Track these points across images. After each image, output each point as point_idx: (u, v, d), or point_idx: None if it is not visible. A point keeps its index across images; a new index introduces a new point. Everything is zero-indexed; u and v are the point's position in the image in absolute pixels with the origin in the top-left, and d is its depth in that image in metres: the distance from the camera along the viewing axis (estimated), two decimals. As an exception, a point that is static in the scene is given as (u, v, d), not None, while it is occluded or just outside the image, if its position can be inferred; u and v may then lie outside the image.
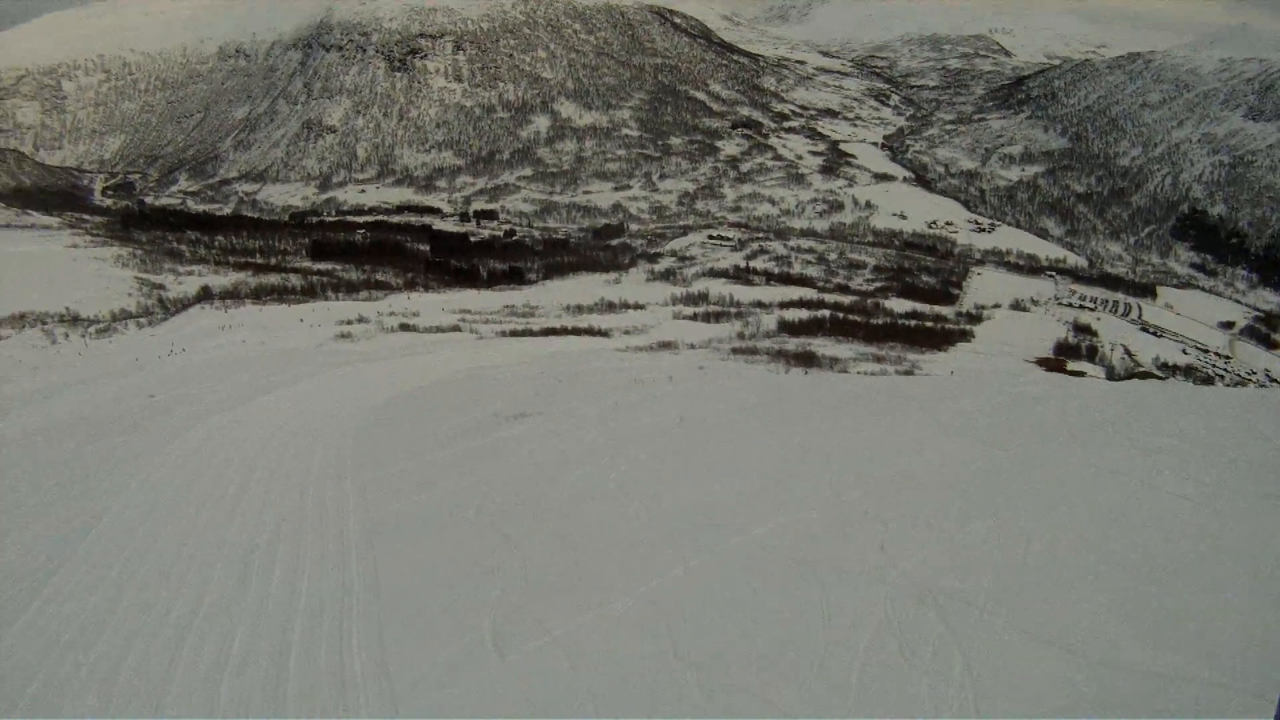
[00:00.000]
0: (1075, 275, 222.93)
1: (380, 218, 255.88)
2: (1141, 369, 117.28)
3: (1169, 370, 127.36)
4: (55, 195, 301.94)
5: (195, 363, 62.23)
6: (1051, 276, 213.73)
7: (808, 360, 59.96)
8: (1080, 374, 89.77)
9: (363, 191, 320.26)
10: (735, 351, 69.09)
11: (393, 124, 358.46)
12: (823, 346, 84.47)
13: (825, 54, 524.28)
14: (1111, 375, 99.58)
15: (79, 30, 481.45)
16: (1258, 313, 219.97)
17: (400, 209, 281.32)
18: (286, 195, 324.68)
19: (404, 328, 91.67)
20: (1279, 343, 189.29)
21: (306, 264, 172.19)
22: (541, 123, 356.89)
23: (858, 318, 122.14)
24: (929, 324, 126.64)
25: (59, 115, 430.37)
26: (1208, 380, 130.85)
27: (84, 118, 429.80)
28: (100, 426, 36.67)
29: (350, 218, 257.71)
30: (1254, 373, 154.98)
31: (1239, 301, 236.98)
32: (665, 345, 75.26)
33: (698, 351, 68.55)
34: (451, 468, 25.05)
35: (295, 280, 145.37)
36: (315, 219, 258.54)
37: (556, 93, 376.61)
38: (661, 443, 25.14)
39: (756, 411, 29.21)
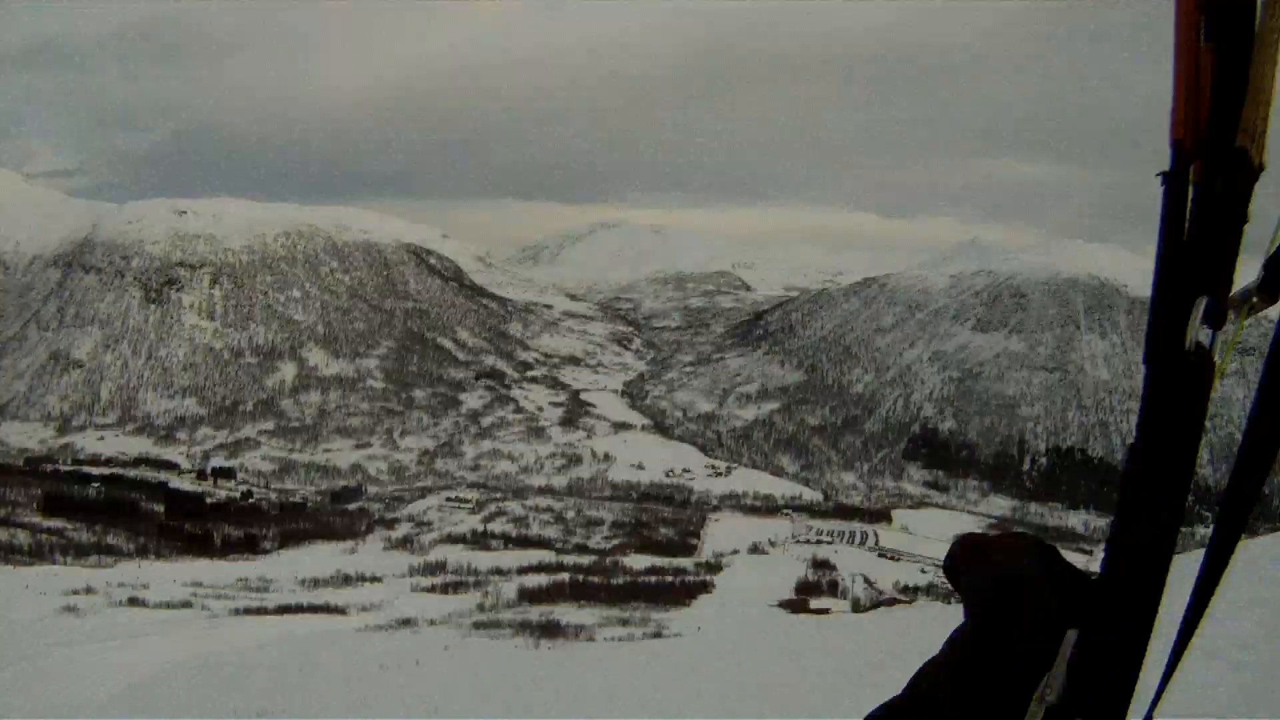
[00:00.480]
0: (811, 510, 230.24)
1: (117, 470, 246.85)
2: (885, 595, 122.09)
3: (911, 592, 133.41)
4: None
5: None
6: (788, 514, 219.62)
7: (553, 632, 61.70)
8: (824, 610, 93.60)
9: (101, 438, 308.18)
10: (478, 626, 67.83)
11: (140, 363, 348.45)
12: (565, 614, 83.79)
13: (573, 297, 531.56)
14: (856, 608, 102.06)
15: None
16: (991, 520, 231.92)
17: (138, 462, 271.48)
18: (24, 436, 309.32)
19: (133, 602, 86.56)
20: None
21: (36, 519, 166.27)
22: (288, 370, 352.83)
23: (598, 579, 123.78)
24: (669, 579, 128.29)
25: None
26: (947, 598, 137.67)
27: None
28: None
29: (86, 468, 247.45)
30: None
31: (972, 512, 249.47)
32: (405, 623, 72.94)
33: (439, 629, 66.67)
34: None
35: (23, 537, 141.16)
36: (50, 467, 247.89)
37: (306, 337, 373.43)
38: None
39: (503, 696, 28.38)
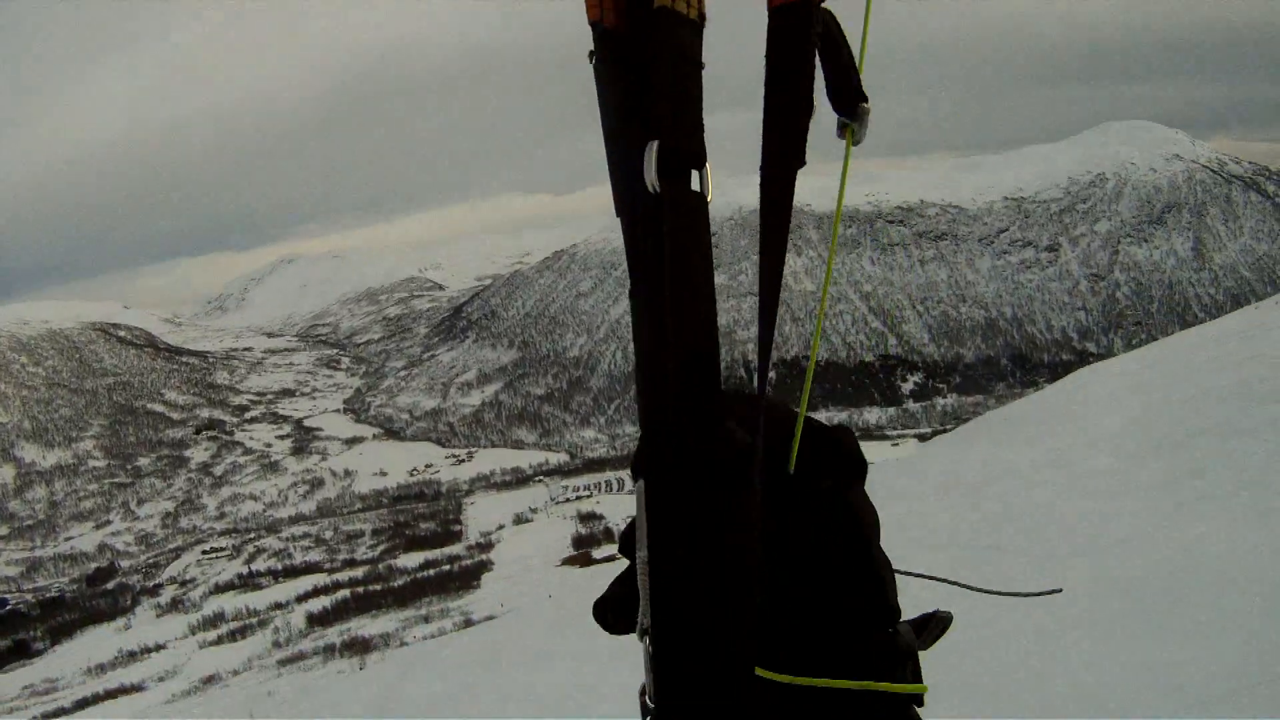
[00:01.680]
0: (563, 471, 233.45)
1: None
2: None
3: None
4: None
5: None
6: (541, 480, 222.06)
7: (363, 647, 60.98)
8: (612, 558, 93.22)
9: None
10: (283, 663, 65.92)
11: None
12: (363, 626, 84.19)
13: (269, 334, 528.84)
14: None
15: None
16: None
17: None
18: None
19: None
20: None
21: None
22: (6, 472, 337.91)
23: (377, 586, 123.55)
24: (447, 567, 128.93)
25: None
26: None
27: None
28: None
29: None
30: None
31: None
32: (209, 680, 71.33)
33: (246, 676, 65.38)
34: None
35: None
36: None
37: (15, 436, 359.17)
38: None
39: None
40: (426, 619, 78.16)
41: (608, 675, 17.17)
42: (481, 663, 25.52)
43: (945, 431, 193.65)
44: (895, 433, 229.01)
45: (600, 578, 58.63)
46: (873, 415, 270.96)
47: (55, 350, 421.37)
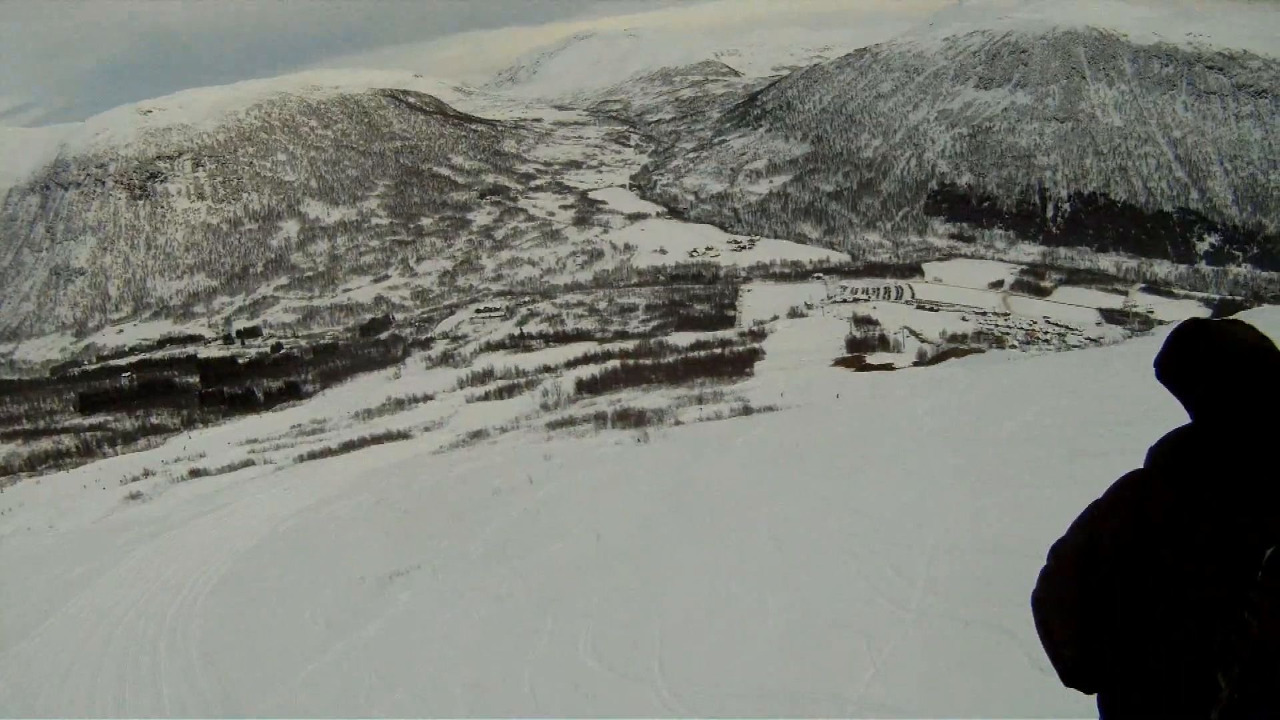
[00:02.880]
0: (842, 272, 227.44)
1: (143, 356, 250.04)
2: (948, 346, 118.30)
3: (960, 340, 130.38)
4: None
5: None
6: (820, 278, 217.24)
7: (638, 420, 56.86)
8: (888, 366, 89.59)
9: (120, 331, 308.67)
10: (552, 426, 64.32)
11: (141, 255, 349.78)
12: (633, 399, 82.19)
13: (560, 107, 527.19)
14: (921, 360, 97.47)
15: None
16: (1022, 266, 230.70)
17: (162, 343, 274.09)
18: (44, 350, 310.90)
19: (194, 474, 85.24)
20: (1047, 289, 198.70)
21: (78, 420, 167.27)
22: (291, 227, 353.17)
23: (647, 360, 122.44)
24: (718, 350, 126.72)
25: None
26: (999, 341, 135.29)
27: None
28: None
29: (113, 362, 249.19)
30: (1034, 322, 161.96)
31: (1002, 260, 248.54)
32: (476, 435, 69.94)
33: (516, 435, 63.25)
34: (349, 691, 16.39)
35: (69, 441, 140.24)
36: (77, 370, 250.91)
37: (301, 194, 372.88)
38: (610, 584, 16.99)
39: (671, 503, 22.18)
40: (700, 400, 74.26)
41: (928, 487, 17.23)
42: (767, 459, 25.53)
43: (1236, 301, 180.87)
44: (1183, 292, 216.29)
45: (880, 383, 53.35)
46: (1162, 269, 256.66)
47: (345, 114, 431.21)
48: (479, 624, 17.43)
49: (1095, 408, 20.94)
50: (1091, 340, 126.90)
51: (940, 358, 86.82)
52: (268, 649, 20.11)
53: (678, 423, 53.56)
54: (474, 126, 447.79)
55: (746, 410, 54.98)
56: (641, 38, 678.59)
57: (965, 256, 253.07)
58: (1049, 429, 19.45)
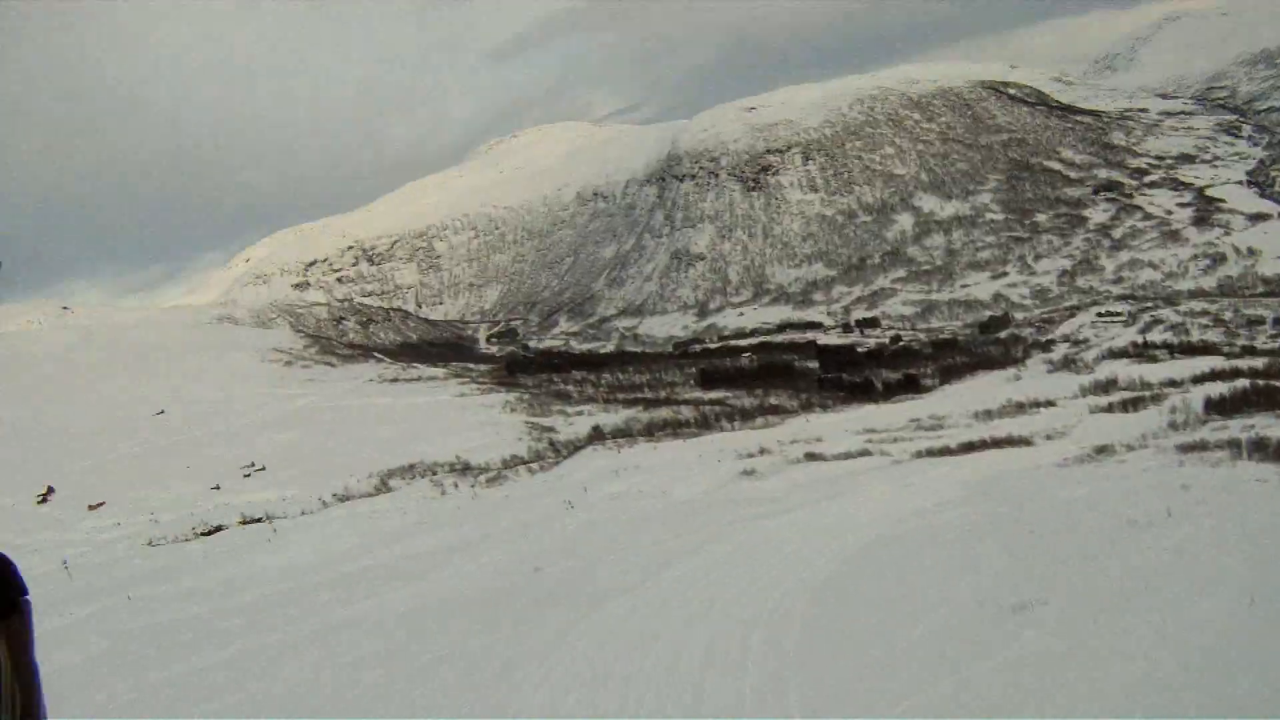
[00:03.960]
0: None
1: (763, 339, 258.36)
2: None
3: None
4: (441, 347, 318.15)
5: (586, 522, 55.41)
6: None
7: (1277, 453, 50.54)
8: None
9: (740, 314, 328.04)
10: (1183, 449, 57.99)
11: (759, 243, 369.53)
12: (1267, 426, 69.79)
13: (1163, 96, 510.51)
14: None
15: (441, 195, 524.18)
16: None
17: (781, 328, 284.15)
18: (666, 326, 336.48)
19: (809, 457, 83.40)
20: None
21: (696, 394, 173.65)
22: (905, 220, 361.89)
23: (1278, 382, 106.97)
24: None
25: (435, 273, 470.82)
26: None
27: (459, 273, 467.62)
28: (479, 612, 30.29)
29: (733, 342, 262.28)
30: None
31: None
32: (1101, 450, 63.87)
33: (1143, 454, 58.62)
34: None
35: (687, 412, 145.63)
36: (698, 347, 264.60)
37: (913, 187, 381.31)
38: None
39: None
40: None
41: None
42: None
43: None
44: None
45: None
46: None
47: (947, 107, 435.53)
48: (1118, 686, 15.70)
49: None
50: None
51: None
52: (868, 666, 18.82)
53: None
54: (1079, 118, 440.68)
55: None
56: (1235, 16, 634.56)
57: None
58: None
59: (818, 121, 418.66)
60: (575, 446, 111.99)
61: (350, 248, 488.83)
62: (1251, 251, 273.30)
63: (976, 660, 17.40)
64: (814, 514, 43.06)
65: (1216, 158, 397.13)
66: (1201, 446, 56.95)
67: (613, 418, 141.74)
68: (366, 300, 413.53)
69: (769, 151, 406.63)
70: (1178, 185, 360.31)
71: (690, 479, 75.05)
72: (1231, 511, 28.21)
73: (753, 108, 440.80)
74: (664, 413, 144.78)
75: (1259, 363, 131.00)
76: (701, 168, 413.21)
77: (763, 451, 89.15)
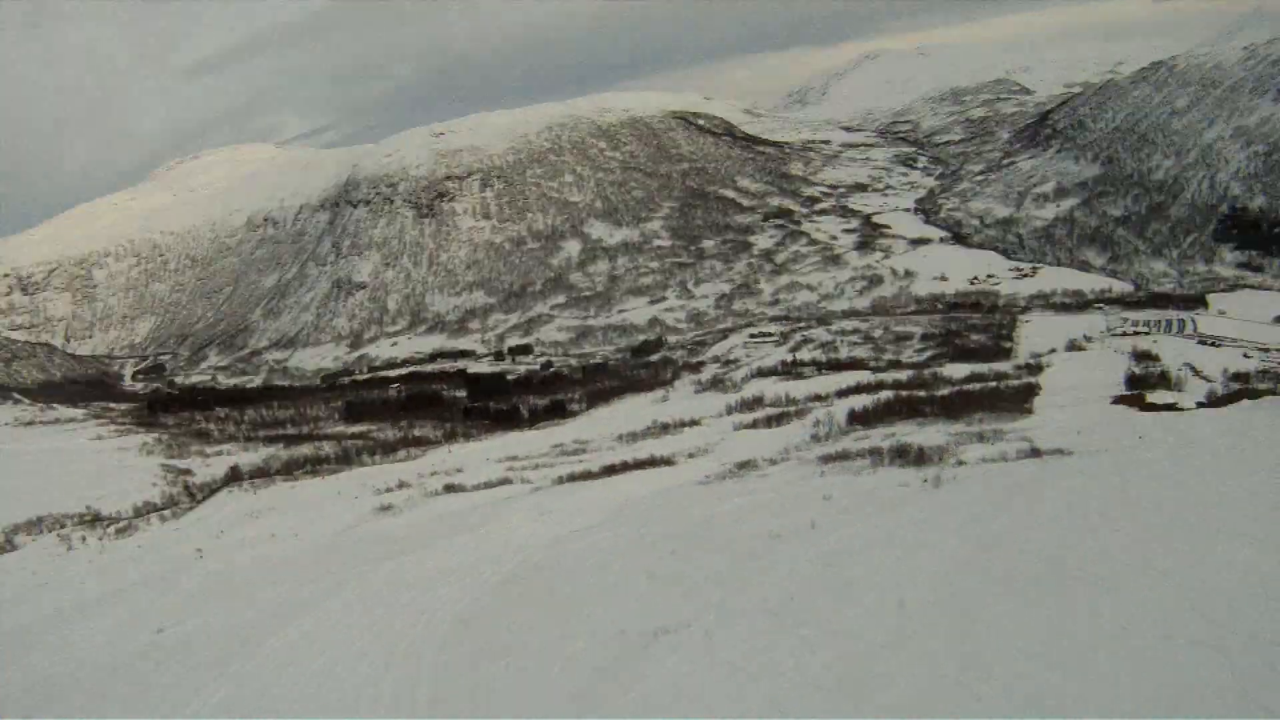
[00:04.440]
0: (1123, 302, 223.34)
1: (414, 369, 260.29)
2: (1237, 387, 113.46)
3: (1243, 379, 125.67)
4: (85, 385, 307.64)
5: (217, 572, 53.64)
6: (1100, 308, 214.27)
7: (917, 458, 55.61)
8: (1172, 406, 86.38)
9: (394, 344, 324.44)
10: (825, 460, 62.49)
11: (423, 271, 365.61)
12: (908, 433, 78.88)
13: (848, 129, 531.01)
14: (1211, 401, 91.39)
15: (110, 218, 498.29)
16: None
17: (434, 357, 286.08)
18: (317, 358, 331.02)
19: (449, 489, 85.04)
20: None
21: (340, 428, 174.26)
22: (572, 247, 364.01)
23: (921, 392, 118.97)
24: (993, 384, 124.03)
25: (90, 304, 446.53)
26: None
27: (115, 304, 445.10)
28: (92, 688, 27.93)
29: (383, 373, 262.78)
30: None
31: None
32: (744, 466, 67.37)
33: (785, 467, 61.91)
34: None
35: (328, 448, 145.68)
36: (347, 379, 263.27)
37: (585, 215, 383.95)
38: (921, 670, 15.49)
39: (983, 566, 20.60)
40: (981, 438, 70.90)
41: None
42: (1093, 516, 23.60)
43: None
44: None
45: (1173, 426, 52.65)
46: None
47: (634, 136, 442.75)
48: (765, 707, 15.15)
49: None
50: None
51: (1230, 399, 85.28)
52: (505, 715, 18.00)
53: (960, 462, 51.71)
54: (762, 149, 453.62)
55: (1035, 452, 53.12)
56: (931, 56, 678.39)
57: (1252, 287, 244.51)
58: None
59: (503, 148, 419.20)
60: (212, 489, 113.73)
61: (6, 275, 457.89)
62: (908, 273, 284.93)
63: (615, 695, 17.11)
64: (448, 550, 42.54)
65: (890, 186, 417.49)
66: (844, 456, 64.08)
67: (253, 456, 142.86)
68: (14, 334, 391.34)
69: (449, 178, 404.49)
70: (847, 212, 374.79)
71: (326, 519, 76.77)
72: (876, 519, 28.72)
73: (441, 133, 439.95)
74: (305, 449, 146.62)
75: (903, 375, 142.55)
76: (379, 194, 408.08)
77: (401, 485, 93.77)
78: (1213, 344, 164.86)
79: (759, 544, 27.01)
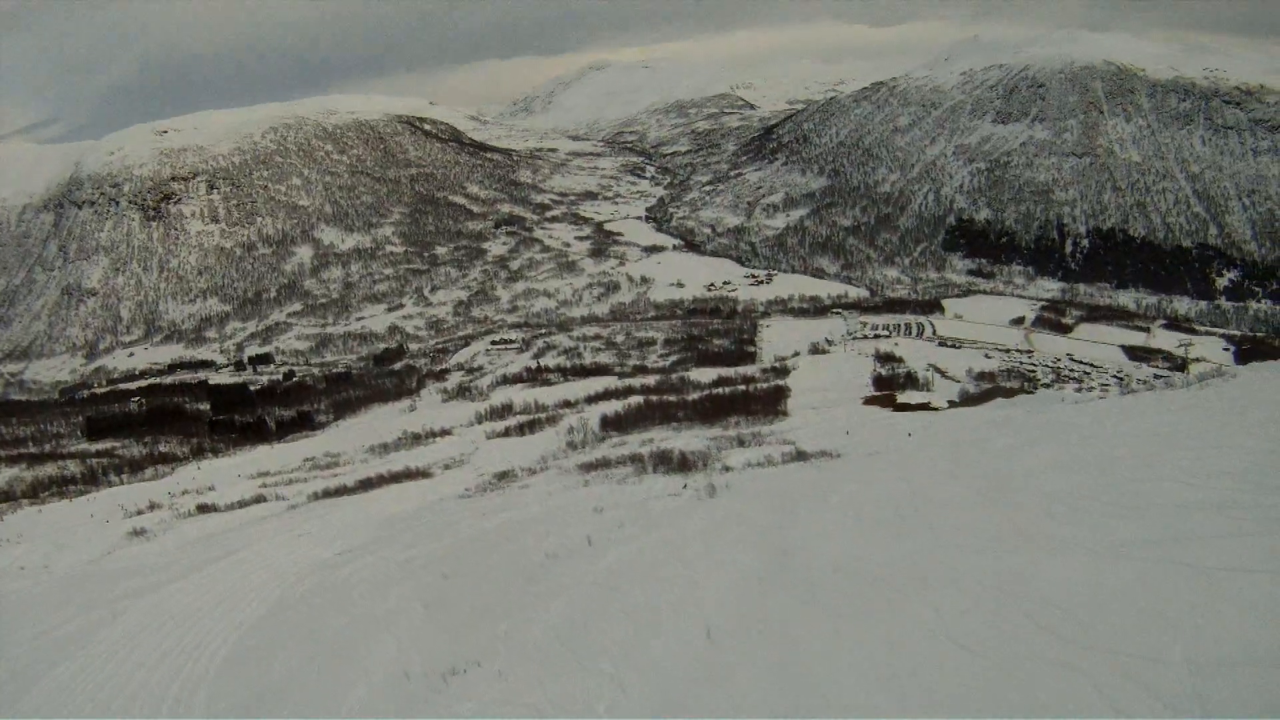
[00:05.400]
0: (860, 307, 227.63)
1: (154, 380, 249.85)
2: (988, 386, 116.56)
3: (989, 378, 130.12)
4: None
5: None
6: (839, 314, 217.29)
7: (681, 465, 52.83)
8: (925, 405, 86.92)
9: (131, 355, 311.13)
10: (586, 468, 60.01)
11: (154, 277, 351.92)
12: (665, 438, 77.76)
13: (575, 138, 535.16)
14: (966, 400, 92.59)
15: None
16: (1042, 302, 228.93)
17: (173, 367, 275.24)
18: (54, 370, 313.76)
19: (202, 509, 79.89)
20: (1069, 326, 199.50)
21: (84, 446, 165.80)
22: (304, 253, 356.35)
23: (671, 397, 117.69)
24: (743, 387, 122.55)
25: None
26: (1029, 380, 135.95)
27: None
28: None
29: (123, 386, 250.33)
30: (1058, 359, 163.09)
31: (1021, 296, 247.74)
32: (503, 476, 65.17)
33: (545, 477, 59.19)
34: None
35: (74, 467, 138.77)
36: (86, 393, 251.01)
37: (315, 219, 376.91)
38: (739, 705, 13.51)
39: (783, 582, 18.15)
40: (741, 442, 67.25)
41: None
42: (882, 523, 20.98)
43: (1258, 338, 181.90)
44: (1204, 329, 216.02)
45: (935, 426, 51.22)
46: (1182, 305, 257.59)
47: (361, 140, 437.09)
48: None
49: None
50: (1156, 379, 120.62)
51: (983, 397, 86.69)
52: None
53: (727, 468, 46.92)
54: (490, 155, 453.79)
55: (800, 455, 48.98)
56: (656, 69, 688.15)
57: (984, 292, 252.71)
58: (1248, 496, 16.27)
59: (228, 149, 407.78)
60: None
61: None
62: (645, 280, 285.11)
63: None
64: (209, 579, 37.84)
65: (619, 195, 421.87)
66: (604, 464, 61.28)
67: None
68: None
69: (174, 179, 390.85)
70: (578, 219, 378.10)
71: (77, 546, 70.06)
72: (655, 533, 25.35)
73: (165, 131, 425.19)
74: (50, 469, 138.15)
75: (650, 380, 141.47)
76: (103, 194, 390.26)
77: (153, 507, 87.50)
78: (953, 346, 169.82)
79: (535, 565, 24.77)
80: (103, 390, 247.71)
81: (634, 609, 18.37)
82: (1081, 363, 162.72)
